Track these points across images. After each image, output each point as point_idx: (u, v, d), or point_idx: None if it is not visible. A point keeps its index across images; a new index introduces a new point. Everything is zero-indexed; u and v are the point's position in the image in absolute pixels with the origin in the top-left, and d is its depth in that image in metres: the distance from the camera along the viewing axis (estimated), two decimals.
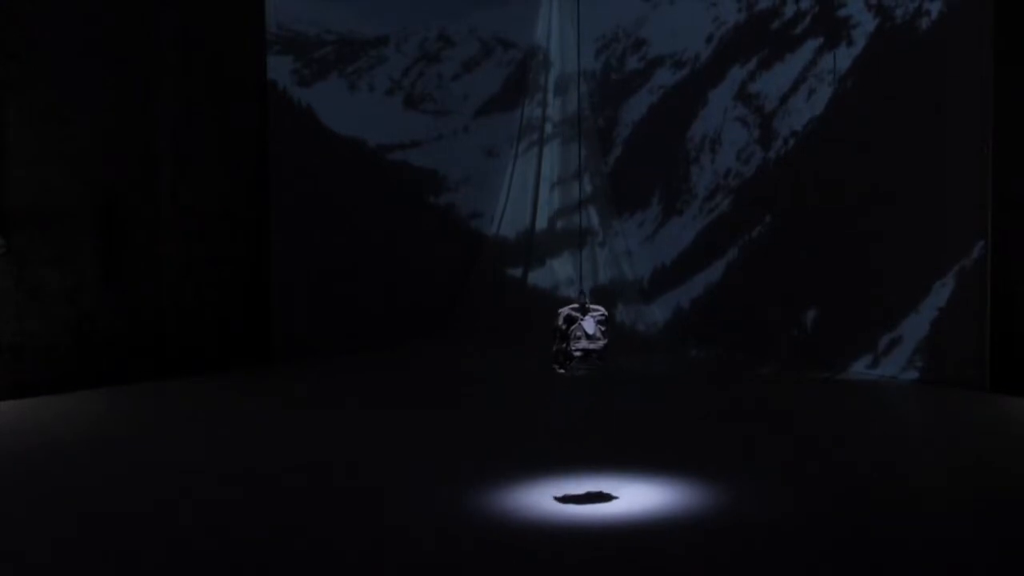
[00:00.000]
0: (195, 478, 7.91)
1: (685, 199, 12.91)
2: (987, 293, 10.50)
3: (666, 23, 12.97)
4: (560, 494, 7.31)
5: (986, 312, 10.49)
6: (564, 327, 6.96)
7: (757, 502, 7.27)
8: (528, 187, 13.79)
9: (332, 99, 12.82)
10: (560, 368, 7.07)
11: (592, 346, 6.91)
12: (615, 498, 7.26)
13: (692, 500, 7.25)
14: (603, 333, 6.93)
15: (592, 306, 7.03)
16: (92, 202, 10.83)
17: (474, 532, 6.71)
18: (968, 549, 6.40)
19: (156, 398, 10.60)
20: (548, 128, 13.79)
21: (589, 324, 6.92)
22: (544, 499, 7.24)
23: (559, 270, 13.69)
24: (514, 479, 7.61)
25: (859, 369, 11.38)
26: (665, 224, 13.08)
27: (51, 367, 10.55)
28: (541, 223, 13.80)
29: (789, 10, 12.15)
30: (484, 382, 11.43)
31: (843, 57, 11.72)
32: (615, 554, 6.32)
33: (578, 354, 6.93)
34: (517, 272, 13.73)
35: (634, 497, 7.28)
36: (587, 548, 6.42)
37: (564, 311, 6.99)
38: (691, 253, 12.87)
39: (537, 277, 13.72)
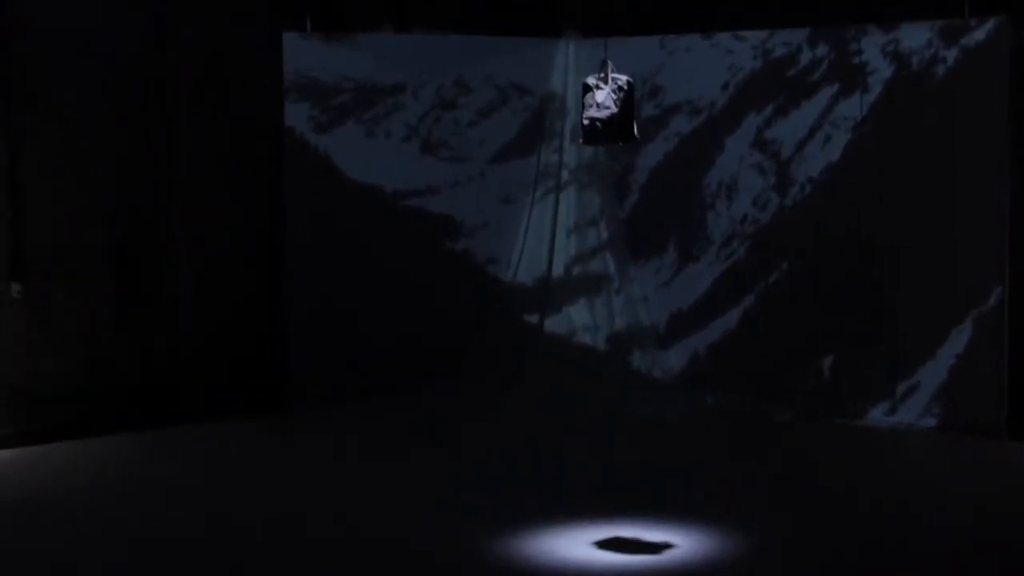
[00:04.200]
0: (216, 526, 7.89)
1: (701, 245, 12.89)
2: (1005, 340, 10.46)
3: (682, 70, 12.98)
4: (572, 542, 7.29)
5: (1004, 359, 10.45)
6: (582, 94, 6.84)
7: (773, 551, 7.22)
8: (545, 233, 13.77)
9: (349, 146, 12.85)
10: (581, 140, 6.92)
11: (598, 114, 6.77)
12: (629, 544, 7.22)
13: (706, 548, 7.21)
14: (615, 102, 6.76)
15: (616, 75, 6.85)
16: (107, 245, 10.86)
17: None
18: None
19: (170, 444, 10.57)
20: (564, 175, 13.80)
21: (600, 94, 6.78)
22: (554, 546, 7.22)
23: (576, 317, 13.66)
24: (527, 526, 7.58)
25: (876, 416, 11.33)
26: (681, 270, 13.05)
27: (65, 410, 10.53)
28: (558, 269, 13.78)
29: (805, 57, 12.16)
30: (499, 428, 11.40)
31: (859, 104, 11.73)
32: None
33: (586, 123, 6.81)
34: (534, 318, 13.70)
35: (649, 544, 7.25)
36: None
37: (588, 79, 6.85)
38: (708, 299, 12.83)
39: (554, 324, 13.69)
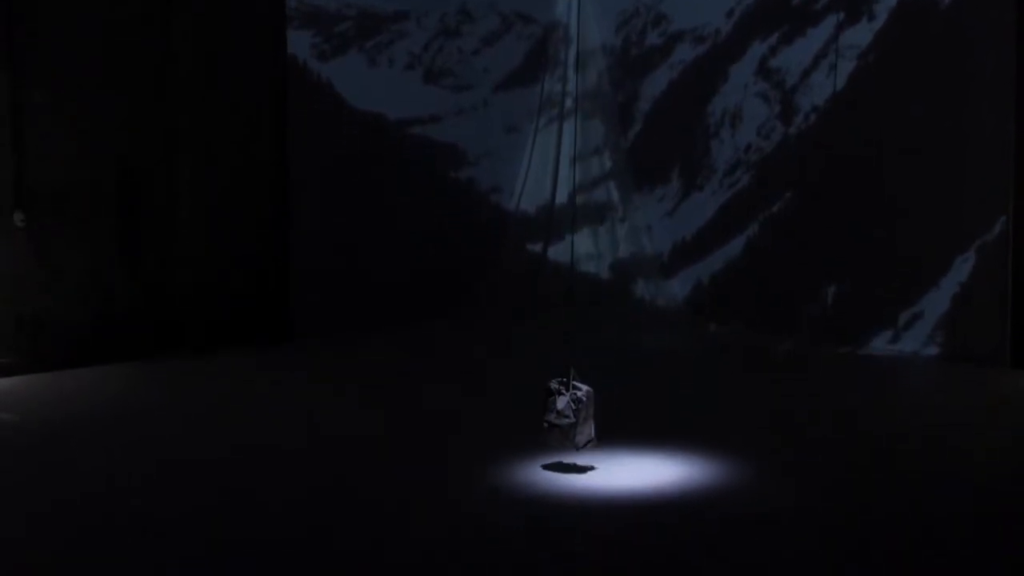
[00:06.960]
0: (214, 452, 7.95)
1: (705, 174, 12.89)
2: (1008, 269, 10.46)
3: None
4: (571, 468, 7.34)
5: (1007, 288, 10.46)
6: (545, 397, 7.22)
7: (777, 477, 7.27)
8: (548, 162, 13.78)
9: (352, 74, 12.80)
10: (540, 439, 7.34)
11: (557, 421, 7.11)
12: (628, 473, 7.28)
13: (706, 477, 7.25)
14: (574, 412, 7.17)
15: (576, 384, 7.23)
16: (111, 179, 10.86)
17: (487, 506, 6.75)
18: (998, 525, 6.40)
19: (172, 373, 10.61)
20: (568, 103, 13.77)
21: (560, 401, 7.25)
22: (553, 473, 7.28)
23: (579, 245, 13.68)
24: (526, 455, 7.62)
25: (879, 345, 11.36)
26: (685, 199, 13.06)
27: (71, 342, 10.58)
28: (561, 198, 13.79)
29: None
30: (503, 357, 11.43)
31: (864, 31, 11.66)
32: (626, 528, 6.34)
33: (545, 426, 7.19)
34: (537, 247, 13.73)
35: (649, 473, 7.30)
36: (596, 523, 6.45)
37: (552, 383, 7.24)
38: (711, 228, 12.84)
39: (557, 252, 13.72)
